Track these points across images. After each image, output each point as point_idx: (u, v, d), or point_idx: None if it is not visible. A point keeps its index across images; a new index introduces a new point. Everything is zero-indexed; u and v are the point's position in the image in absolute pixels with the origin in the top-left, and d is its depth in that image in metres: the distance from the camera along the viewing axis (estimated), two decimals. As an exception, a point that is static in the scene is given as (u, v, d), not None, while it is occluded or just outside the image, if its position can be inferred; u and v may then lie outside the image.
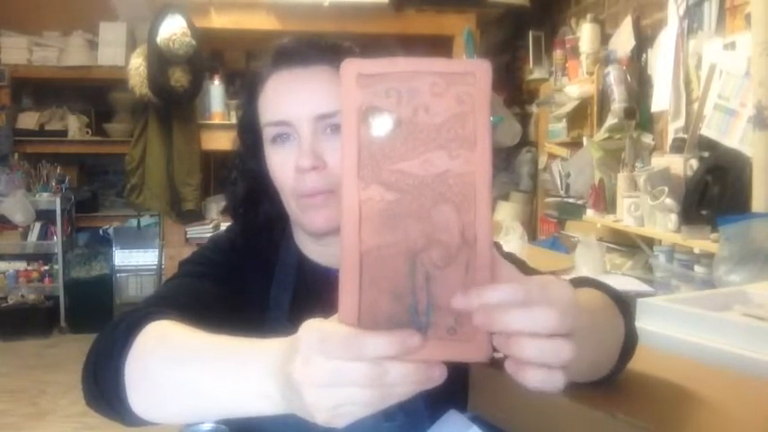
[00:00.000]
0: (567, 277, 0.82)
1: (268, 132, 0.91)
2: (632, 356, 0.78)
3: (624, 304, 0.79)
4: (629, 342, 0.77)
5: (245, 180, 1.00)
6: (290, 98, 0.89)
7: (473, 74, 0.50)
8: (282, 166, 0.91)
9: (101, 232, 5.33)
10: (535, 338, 0.49)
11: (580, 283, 0.82)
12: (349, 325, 0.49)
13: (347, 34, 1.03)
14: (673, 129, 2.58)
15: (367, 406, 0.50)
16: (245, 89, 0.98)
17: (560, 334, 0.50)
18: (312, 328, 0.50)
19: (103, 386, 0.70)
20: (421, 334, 0.49)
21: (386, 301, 0.49)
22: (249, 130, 0.96)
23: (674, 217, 2.27)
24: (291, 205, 0.92)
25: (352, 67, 0.50)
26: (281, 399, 0.55)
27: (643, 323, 1.19)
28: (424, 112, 0.50)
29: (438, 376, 0.49)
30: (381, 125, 0.50)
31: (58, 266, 4.99)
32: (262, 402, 0.58)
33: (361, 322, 0.49)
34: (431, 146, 0.50)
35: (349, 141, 0.50)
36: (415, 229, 0.49)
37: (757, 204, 1.99)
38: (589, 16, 3.32)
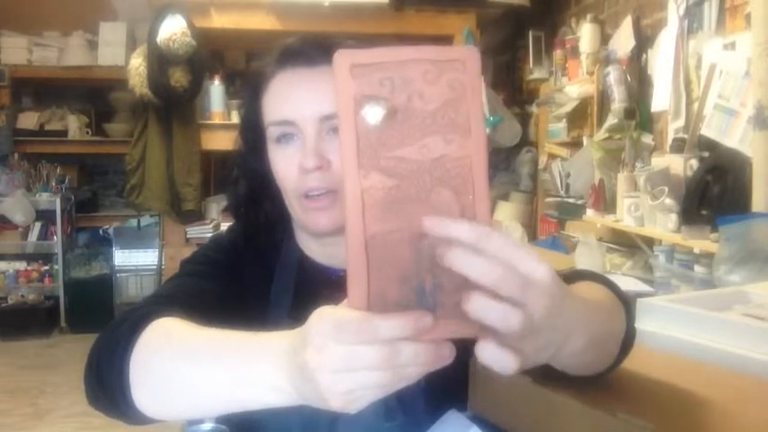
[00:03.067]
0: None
1: (272, 132, 0.92)
2: (629, 352, 0.78)
3: (624, 299, 0.79)
4: (628, 337, 0.77)
5: (246, 179, 1.00)
6: (295, 98, 0.89)
7: (462, 61, 0.51)
8: (286, 165, 0.91)
9: (101, 232, 5.33)
10: (482, 295, 0.48)
11: (580, 275, 0.82)
12: None
13: (348, 34, 1.04)
14: (673, 129, 2.58)
15: (380, 389, 0.50)
16: (249, 88, 0.98)
17: (511, 299, 0.48)
18: (325, 314, 0.51)
19: (107, 385, 0.70)
20: (430, 314, 0.49)
21: (393, 285, 0.50)
22: (252, 130, 0.96)
23: (674, 217, 2.27)
24: (294, 205, 0.92)
25: (345, 57, 0.51)
26: (292, 390, 0.55)
27: (643, 323, 1.19)
28: (419, 98, 0.50)
29: (448, 355, 0.50)
30: (377, 113, 0.50)
31: (58, 266, 4.99)
32: (273, 395, 0.58)
33: (370, 308, 0.50)
34: (426, 131, 0.51)
35: (347, 131, 0.50)
36: (416, 213, 0.50)
37: (757, 204, 1.99)
38: (589, 16, 3.32)
